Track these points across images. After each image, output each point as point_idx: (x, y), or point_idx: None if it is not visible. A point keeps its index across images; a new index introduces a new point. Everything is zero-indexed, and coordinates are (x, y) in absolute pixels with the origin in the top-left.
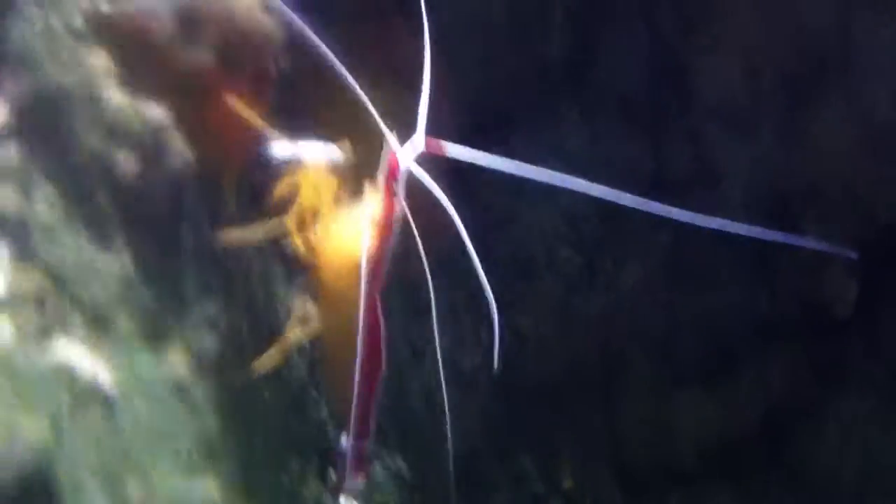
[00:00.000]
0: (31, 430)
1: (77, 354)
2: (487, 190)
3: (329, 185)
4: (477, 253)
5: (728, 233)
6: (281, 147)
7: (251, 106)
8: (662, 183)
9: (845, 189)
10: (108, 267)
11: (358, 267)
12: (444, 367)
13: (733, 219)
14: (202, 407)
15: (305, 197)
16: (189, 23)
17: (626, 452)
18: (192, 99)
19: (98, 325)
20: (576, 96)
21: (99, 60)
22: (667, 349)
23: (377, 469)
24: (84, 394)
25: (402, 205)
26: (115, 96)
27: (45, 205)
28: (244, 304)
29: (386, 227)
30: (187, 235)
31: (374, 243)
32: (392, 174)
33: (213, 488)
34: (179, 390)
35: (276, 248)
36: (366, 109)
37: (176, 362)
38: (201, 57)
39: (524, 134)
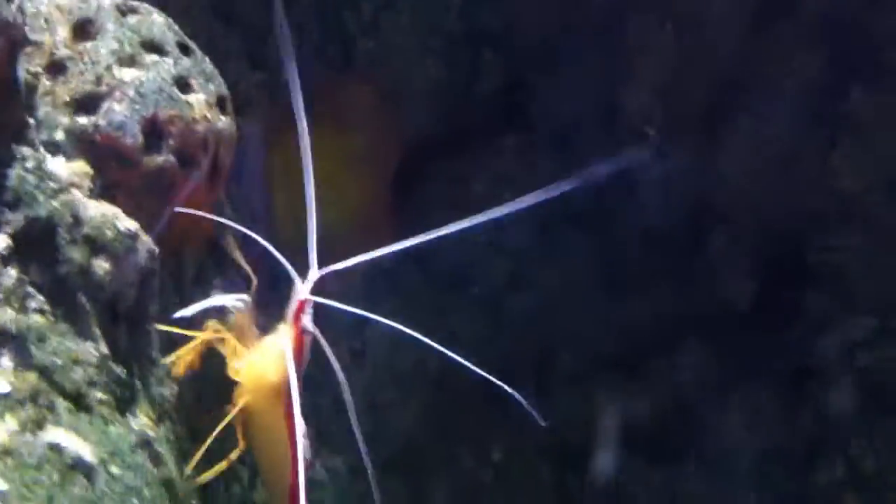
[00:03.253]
0: None
1: (63, 437)
2: (424, 207)
3: (239, 326)
4: (416, 269)
5: (645, 239)
6: (188, 309)
7: (208, 189)
8: (585, 190)
9: (747, 203)
10: (86, 355)
11: (274, 388)
12: (385, 368)
13: (652, 222)
14: (163, 455)
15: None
16: (153, 131)
17: (553, 431)
18: (157, 194)
19: (78, 406)
20: (510, 125)
21: (79, 169)
22: (588, 344)
23: (318, 469)
24: (71, 468)
25: (310, 333)
26: (93, 213)
27: (37, 314)
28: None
29: (298, 353)
30: (153, 309)
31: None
32: (300, 310)
33: None
34: (145, 445)
35: None
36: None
37: (141, 423)
38: (164, 158)
39: (465, 160)
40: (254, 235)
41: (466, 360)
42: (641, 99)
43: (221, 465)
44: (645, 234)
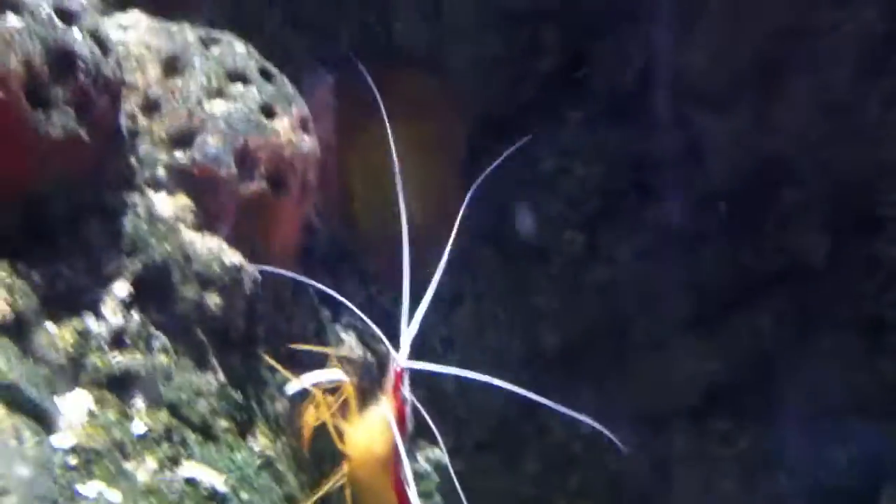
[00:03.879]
0: None
1: (197, 470)
2: (499, 188)
3: (343, 398)
4: (493, 250)
5: (713, 201)
6: (292, 386)
7: (297, 209)
8: (653, 162)
9: (814, 156)
10: (207, 386)
11: (381, 459)
12: (474, 350)
13: (722, 183)
14: (284, 473)
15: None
16: (245, 160)
17: (636, 396)
18: (255, 217)
19: (206, 436)
20: (573, 99)
21: (181, 203)
22: (664, 307)
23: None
24: (207, 499)
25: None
26: (200, 249)
27: (161, 353)
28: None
29: (399, 423)
30: (261, 331)
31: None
32: (398, 381)
33: None
34: (267, 465)
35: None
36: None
37: (262, 443)
38: (258, 185)
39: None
40: (347, 303)
41: (549, 335)
42: (700, 61)
43: None
44: (716, 195)
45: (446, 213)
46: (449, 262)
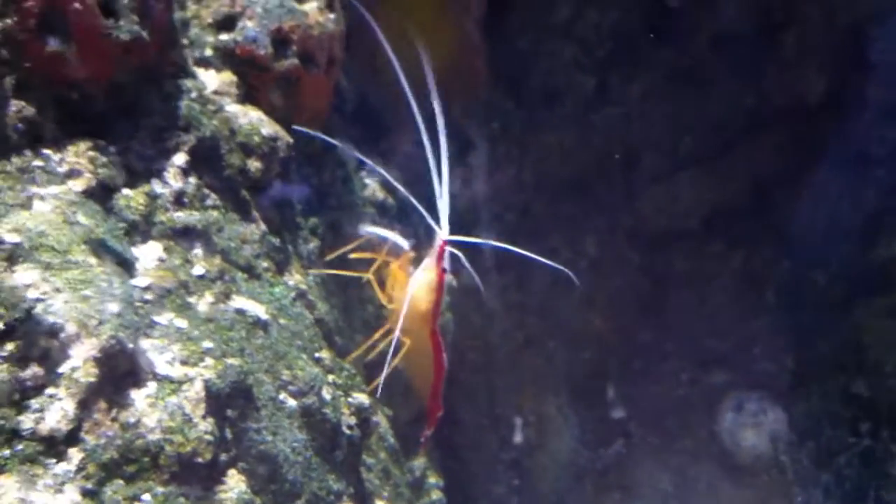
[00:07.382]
0: (233, 358)
1: (244, 303)
2: (514, 30)
3: (401, 262)
4: (508, 86)
5: (722, 44)
6: (371, 229)
7: (326, 80)
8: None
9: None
10: (251, 235)
11: (423, 314)
12: (488, 183)
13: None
14: (315, 301)
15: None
16: (279, 41)
17: (640, 222)
18: (288, 90)
19: (250, 275)
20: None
21: (227, 79)
22: (671, 143)
23: None
24: (252, 325)
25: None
26: (243, 122)
27: (213, 210)
28: (336, 210)
29: (439, 287)
30: (293, 188)
31: (434, 296)
32: (441, 254)
33: (326, 356)
34: (301, 296)
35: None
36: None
37: (296, 279)
38: (291, 62)
39: None
40: (389, 177)
41: (561, 167)
42: None
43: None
44: (721, 37)
45: (463, 57)
46: (463, 109)
